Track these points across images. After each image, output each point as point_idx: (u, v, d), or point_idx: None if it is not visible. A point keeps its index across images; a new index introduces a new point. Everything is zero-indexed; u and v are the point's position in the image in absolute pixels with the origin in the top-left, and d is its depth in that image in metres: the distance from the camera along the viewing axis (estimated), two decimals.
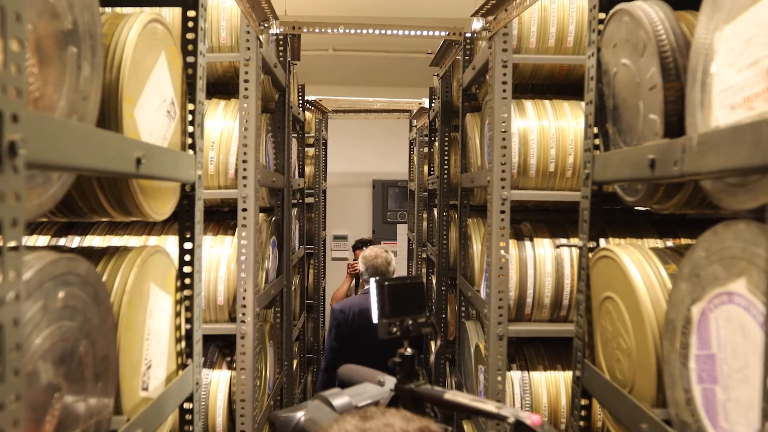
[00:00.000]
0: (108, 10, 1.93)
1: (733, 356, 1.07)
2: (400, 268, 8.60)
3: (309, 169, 6.39)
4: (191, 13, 1.80)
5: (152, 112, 1.50)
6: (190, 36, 1.80)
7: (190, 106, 1.78)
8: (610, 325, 1.60)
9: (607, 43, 1.67)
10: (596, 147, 1.78)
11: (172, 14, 2.46)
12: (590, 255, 1.78)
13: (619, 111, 1.62)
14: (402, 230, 8.63)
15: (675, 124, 1.34)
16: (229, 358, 2.87)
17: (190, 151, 1.77)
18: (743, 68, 1.08)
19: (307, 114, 5.99)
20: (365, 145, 8.75)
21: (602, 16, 1.76)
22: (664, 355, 1.31)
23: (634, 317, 1.44)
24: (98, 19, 1.23)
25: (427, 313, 1.49)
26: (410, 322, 1.44)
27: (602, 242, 2.03)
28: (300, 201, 5.07)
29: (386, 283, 1.42)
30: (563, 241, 2.60)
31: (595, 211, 1.80)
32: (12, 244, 0.83)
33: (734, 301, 1.07)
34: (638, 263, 1.45)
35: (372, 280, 1.48)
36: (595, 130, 1.77)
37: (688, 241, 2.67)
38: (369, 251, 4.59)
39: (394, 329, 1.42)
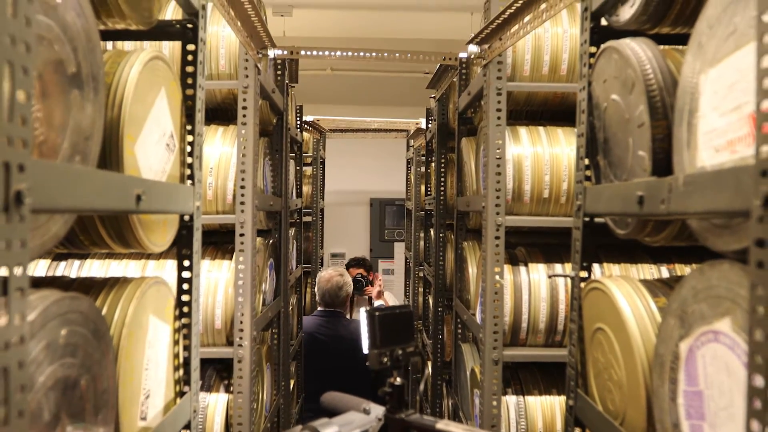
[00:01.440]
0: (109, 44, 1.97)
1: (719, 394, 1.09)
2: (397, 287, 8.66)
3: (307, 189, 6.43)
4: (191, 47, 1.84)
5: (152, 147, 1.53)
6: (189, 69, 1.83)
7: (189, 138, 1.81)
8: (601, 356, 1.62)
9: (598, 77, 1.71)
10: (588, 178, 1.81)
11: (172, 45, 2.50)
12: (582, 285, 1.80)
13: (610, 144, 1.65)
14: (399, 248, 8.65)
15: (663, 161, 1.37)
16: (226, 381, 2.89)
17: (189, 182, 1.80)
18: (726, 112, 1.11)
19: (305, 134, 6.04)
20: (362, 164, 8.80)
21: (593, 50, 1.80)
22: (653, 389, 1.33)
23: (624, 350, 1.47)
24: (101, 60, 1.27)
25: (415, 343, 1.52)
26: (400, 351, 1.46)
27: (596, 268, 2.06)
28: (298, 220, 5.10)
29: (377, 313, 1.44)
30: (558, 270, 2.63)
31: (587, 241, 1.82)
32: (17, 288, 0.85)
33: (720, 340, 1.10)
34: (628, 296, 1.48)
35: (362, 311, 1.50)
36: (587, 161, 1.81)
37: (682, 266, 2.70)
38: (324, 273, 4.71)
39: (385, 359, 1.44)
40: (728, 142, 1.10)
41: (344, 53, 3.62)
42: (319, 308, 4.75)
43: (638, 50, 1.44)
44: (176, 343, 1.78)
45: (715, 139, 1.15)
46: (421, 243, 5.80)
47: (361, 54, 3.64)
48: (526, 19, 2.17)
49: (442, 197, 4.25)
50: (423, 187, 5.80)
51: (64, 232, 1.17)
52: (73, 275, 2.63)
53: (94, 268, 2.71)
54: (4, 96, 0.82)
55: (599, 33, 1.80)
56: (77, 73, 1.15)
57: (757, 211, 0.92)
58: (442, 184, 4.25)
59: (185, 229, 1.79)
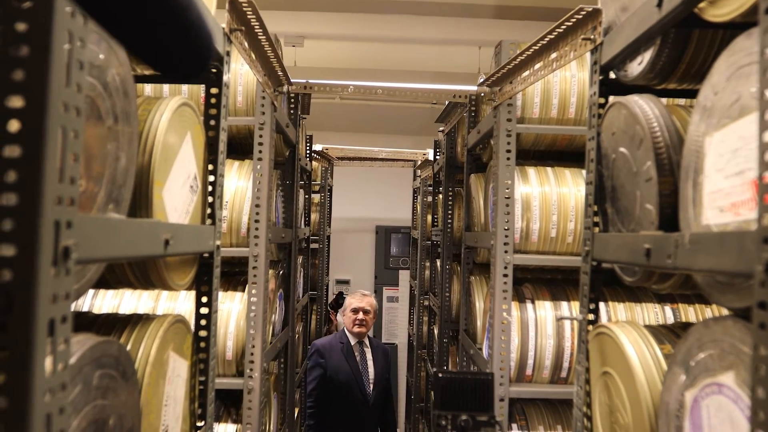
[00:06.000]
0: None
1: None
2: (401, 315, 8.68)
3: (314, 216, 6.49)
4: (214, 90, 1.91)
5: (177, 190, 1.59)
6: (212, 111, 1.91)
7: (211, 178, 1.87)
8: (608, 399, 1.66)
9: (607, 129, 1.77)
10: (596, 224, 1.87)
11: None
12: (590, 328, 1.85)
13: (618, 194, 1.71)
14: (404, 276, 8.68)
15: (669, 215, 1.42)
16: (234, 411, 2.92)
17: (209, 221, 1.86)
18: (730, 176, 1.17)
19: (314, 162, 6.12)
20: (369, 191, 8.86)
21: (602, 101, 1.86)
22: None
23: (631, 395, 1.51)
24: (135, 111, 1.33)
25: (492, 413, 1.49)
26: (464, 417, 1.45)
27: (602, 306, 2.10)
28: (305, 247, 5.15)
29: (440, 375, 1.45)
30: (565, 309, 2.67)
31: (594, 285, 1.87)
32: (62, 338, 0.90)
33: (723, 392, 1.14)
34: (635, 343, 1.53)
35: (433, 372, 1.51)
36: (595, 208, 1.86)
37: (686, 306, 2.74)
38: None
39: (444, 422, 1.44)
40: (732, 204, 1.16)
41: (355, 89, 3.70)
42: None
43: (646, 108, 1.50)
44: (192, 377, 1.83)
45: (720, 200, 1.20)
46: (427, 272, 5.84)
47: (372, 86, 3.73)
48: (537, 66, 2.24)
49: (449, 230, 4.30)
50: (429, 217, 5.86)
51: (96, 277, 1.22)
52: (86, 305, 2.68)
53: (108, 296, 2.76)
54: (54, 157, 0.88)
55: (608, 85, 1.86)
56: (114, 125, 1.21)
57: (760, 275, 0.97)
58: (450, 217, 4.30)
59: (205, 266, 1.85)
